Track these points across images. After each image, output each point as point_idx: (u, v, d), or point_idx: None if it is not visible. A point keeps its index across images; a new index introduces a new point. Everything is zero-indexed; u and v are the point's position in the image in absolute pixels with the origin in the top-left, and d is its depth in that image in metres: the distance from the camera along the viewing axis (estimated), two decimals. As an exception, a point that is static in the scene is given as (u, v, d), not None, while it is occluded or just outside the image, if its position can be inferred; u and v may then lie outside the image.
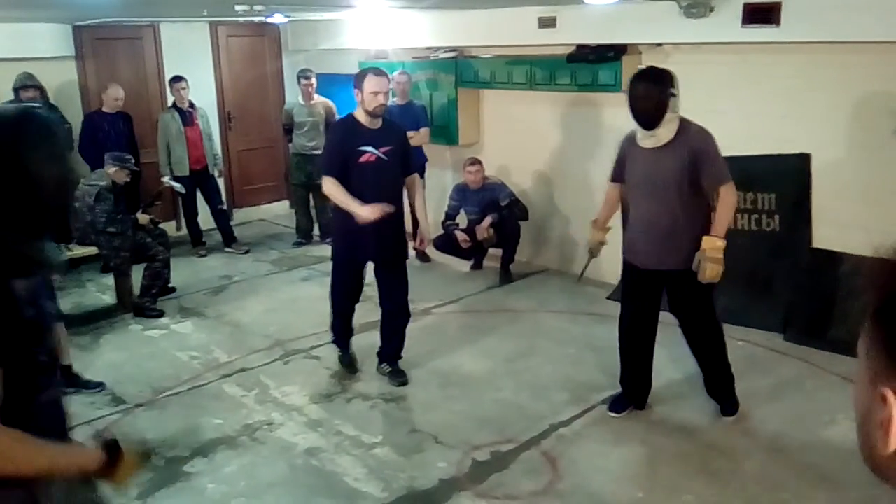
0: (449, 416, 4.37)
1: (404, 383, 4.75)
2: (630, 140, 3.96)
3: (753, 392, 4.49)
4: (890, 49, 4.56)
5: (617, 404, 4.28)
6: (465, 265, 6.95)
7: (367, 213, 4.22)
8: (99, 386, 4.68)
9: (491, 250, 6.82)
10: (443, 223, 6.87)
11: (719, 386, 4.18)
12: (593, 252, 4.32)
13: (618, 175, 4.12)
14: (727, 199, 3.77)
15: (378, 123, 4.42)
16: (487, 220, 6.51)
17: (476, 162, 6.67)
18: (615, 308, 4.13)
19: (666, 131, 3.74)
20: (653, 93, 3.69)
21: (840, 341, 4.97)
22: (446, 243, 6.81)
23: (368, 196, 4.27)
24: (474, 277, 6.79)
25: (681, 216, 3.79)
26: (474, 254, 6.86)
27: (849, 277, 5.05)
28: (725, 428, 4.10)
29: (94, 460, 1.76)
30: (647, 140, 3.81)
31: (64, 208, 1.73)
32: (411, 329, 5.13)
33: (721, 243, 3.65)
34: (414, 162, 4.82)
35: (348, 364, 4.91)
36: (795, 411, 4.30)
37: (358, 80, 4.38)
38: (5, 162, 1.61)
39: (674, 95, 3.72)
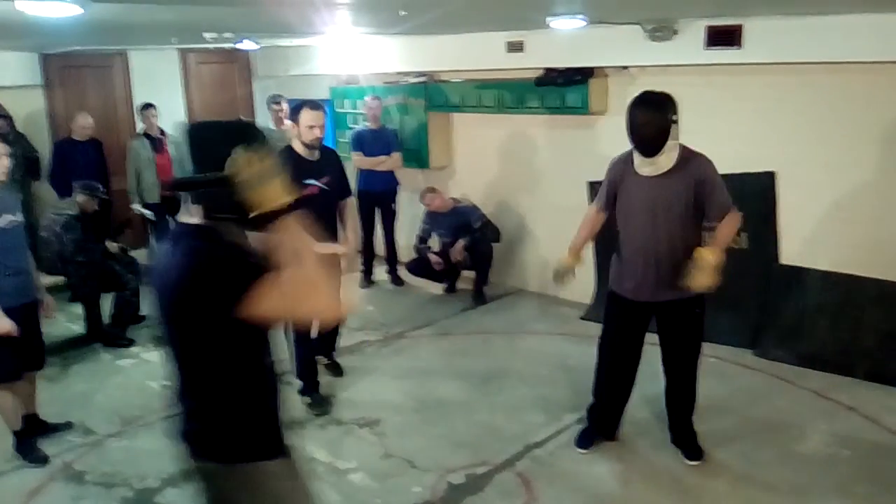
0: (423, 439, 4.35)
1: (341, 374, 5.15)
2: (624, 166, 3.73)
3: (725, 408, 4.53)
4: (851, 69, 4.68)
5: (584, 439, 4.15)
6: (438, 288, 6.96)
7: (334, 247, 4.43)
8: (67, 426, 4.57)
9: (464, 273, 6.84)
10: (415, 246, 6.89)
11: (683, 430, 4.05)
12: (559, 278, 4.03)
13: (605, 203, 3.88)
14: (731, 222, 3.64)
15: (316, 155, 4.52)
16: (460, 242, 6.54)
17: (430, 191, 6.77)
18: (588, 328, 4.11)
19: (667, 159, 3.56)
20: (654, 119, 3.50)
21: (809, 356, 5.05)
22: (419, 267, 6.83)
23: (311, 224, 4.32)
24: (448, 300, 6.80)
25: (679, 246, 3.60)
26: (447, 277, 6.87)
27: (817, 293, 5.13)
28: (699, 443, 4.11)
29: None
30: (645, 167, 3.62)
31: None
32: (385, 352, 5.13)
33: (714, 256, 3.47)
34: (348, 186, 4.91)
35: (322, 404, 4.76)
36: (766, 426, 4.35)
37: (294, 113, 4.51)
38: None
39: (675, 122, 3.54)
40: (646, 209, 3.66)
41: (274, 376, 2.23)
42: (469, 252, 6.57)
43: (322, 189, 4.51)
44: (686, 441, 4.04)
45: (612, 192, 3.83)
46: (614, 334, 3.97)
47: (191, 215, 2.01)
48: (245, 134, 2.00)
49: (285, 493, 2.15)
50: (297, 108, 4.50)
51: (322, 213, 4.41)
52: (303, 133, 4.42)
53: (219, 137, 1.99)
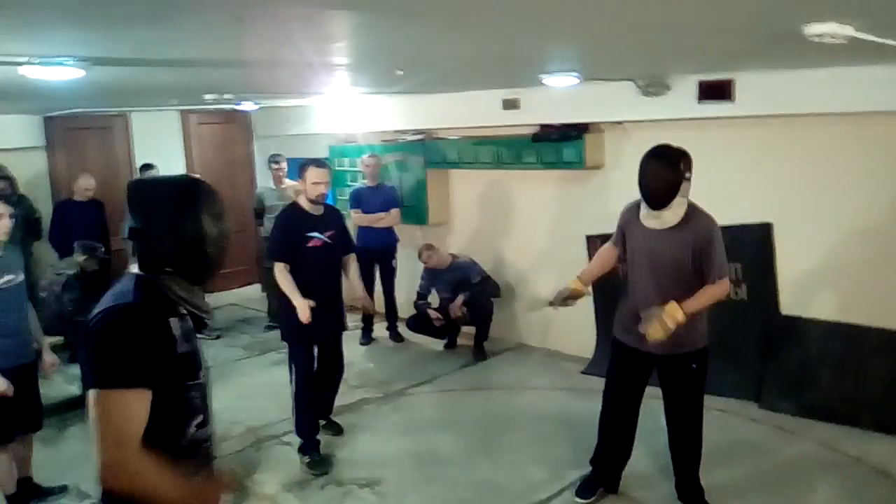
0: (425, 499, 4.28)
1: (340, 432, 5.11)
2: (632, 212, 3.76)
3: (731, 462, 4.47)
4: (841, 120, 4.74)
5: (585, 490, 4.11)
6: (438, 344, 6.93)
7: (304, 313, 4.47)
8: (62, 490, 4.49)
9: (464, 328, 6.82)
10: (415, 303, 6.88)
11: (689, 483, 3.98)
12: (556, 302, 3.98)
13: (618, 240, 3.94)
14: (716, 289, 3.56)
15: (320, 210, 4.73)
16: (460, 298, 6.54)
17: (428, 248, 6.79)
18: (590, 382, 4.08)
19: (672, 215, 3.54)
20: (665, 174, 3.48)
21: (814, 407, 5.00)
22: (419, 323, 6.81)
23: (316, 278, 4.62)
24: (448, 356, 6.76)
25: (679, 301, 3.53)
26: (447, 332, 6.85)
27: (819, 343, 5.10)
28: (707, 498, 4.04)
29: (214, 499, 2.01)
30: (651, 220, 3.62)
31: (220, 262, 2.07)
32: (385, 410, 5.07)
33: (680, 316, 3.46)
34: (351, 241, 5.13)
35: (322, 463, 4.70)
36: (774, 479, 4.28)
37: (301, 170, 4.71)
38: (186, 219, 1.95)
39: (687, 179, 3.53)
40: (646, 261, 3.68)
41: (199, 453, 2.06)
42: (468, 307, 6.56)
43: (325, 242, 4.67)
44: (693, 497, 3.97)
45: (621, 236, 3.89)
46: (616, 381, 3.98)
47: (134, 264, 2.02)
48: (193, 191, 2.04)
49: None
50: (302, 165, 4.71)
51: (325, 266, 4.72)
52: (308, 189, 4.64)
53: (165, 193, 2.02)
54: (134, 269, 2.00)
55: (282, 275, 4.58)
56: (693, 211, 3.60)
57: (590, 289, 4.12)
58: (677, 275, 3.59)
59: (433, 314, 6.67)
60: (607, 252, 4.02)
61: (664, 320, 3.44)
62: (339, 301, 4.88)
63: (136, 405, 1.83)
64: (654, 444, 4.24)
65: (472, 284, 6.58)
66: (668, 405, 3.91)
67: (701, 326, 3.73)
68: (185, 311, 2.03)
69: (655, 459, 4.34)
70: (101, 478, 1.82)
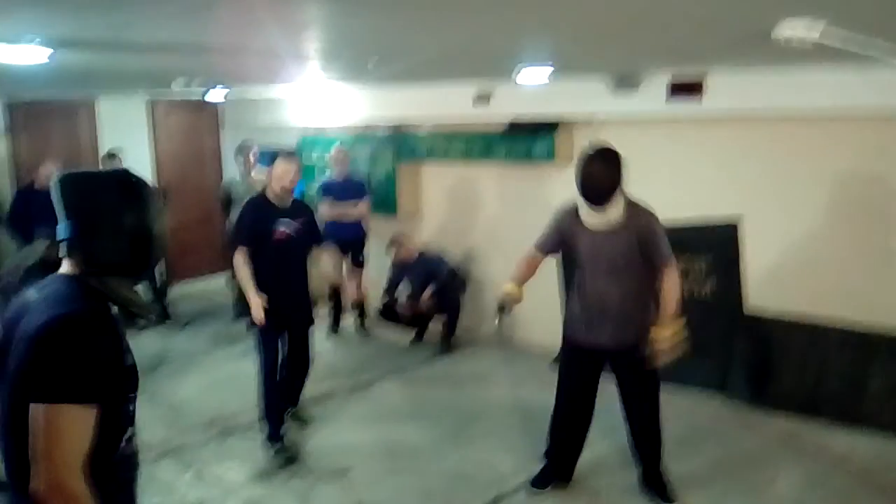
0: (393, 489, 4.28)
1: (306, 424, 5.10)
2: (571, 218, 3.81)
3: (694, 452, 4.54)
4: (810, 120, 4.83)
5: (540, 480, 4.17)
6: (406, 337, 6.93)
7: (257, 311, 4.46)
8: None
9: (431, 324, 6.83)
10: (383, 293, 6.87)
11: (654, 471, 4.06)
12: (506, 307, 3.98)
13: (545, 246, 3.98)
14: (672, 276, 3.71)
15: (288, 203, 4.68)
16: (428, 290, 6.56)
17: (395, 243, 6.85)
18: (556, 376, 4.09)
19: (614, 213, 3.65)
20: (606, 172, 3.60)
21: (778, 399, 5.10)
22: (389, 313, 6.81)
23: (281, 270, 4.59)
24: (415, 349, 6.76)
25: (632, 295, 3.74)
26: (415, 324, 6.85)
27: (782, 338, 5.20)
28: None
29: None
30: (594, 219, 3.69)
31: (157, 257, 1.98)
32: (353, 400, 5.07)
33: (668, 331, 3.62)
34: (319, 234, 5.05)
35: (288, 451, 4.65)
36: (738, 469, 4.36)
37: (270, 161, 4.72)
38: (135, 217, 1.88)
39: (623, 176, 3.66)
40: (597, 263, 3.77)
41: (128, 467, 1.95)
42: (437, 299, 6.58)
43: (290, 235, 4.62)
44: (658, 484, 4.04)
45: (555, 240, 3.93)
46: (570, 379, 4.03)
47: (68, 266, 1.89)
48: (137, 186, 1.96)
49: None
50: (272, 157, 4.69)
51: (291, 258, 4.66)
52: (275, 181, 4.60)
53: (110, 189, 1.91)
54: (65, 270, 1.88)
55: (240, 266, 4.55)
56: (634, 206, 3.73)
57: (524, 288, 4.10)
58: (630, 271, 3.72)
59: (402, 305, 6.69)
60: (533, 260, 4.04)
61: (665, 345, 3.61)
62: (306, 293, 4.83)
63: (88, 422, 1.70)
64: (620, 436, 4.27)
65: (440, 277, 6.60)
66: (626, 398, 3.99)
67: (651, 311, 3.81)
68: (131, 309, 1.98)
69: (623, 451, 4.38)
70: (39, 500, 1.67)
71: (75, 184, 1.91)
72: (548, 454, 4.20)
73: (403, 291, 6.85)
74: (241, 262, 4.56)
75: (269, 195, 4.66)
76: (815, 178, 5.04)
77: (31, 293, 1.87)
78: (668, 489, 4.02)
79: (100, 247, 1.85)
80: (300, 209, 4.80)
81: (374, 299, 7.39)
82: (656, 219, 3.75)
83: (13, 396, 1.74)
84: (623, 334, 3.77)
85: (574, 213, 3.79)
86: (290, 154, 4.78)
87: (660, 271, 3.72)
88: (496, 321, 3.99)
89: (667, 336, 3.62)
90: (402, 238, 6.84)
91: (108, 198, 1.88)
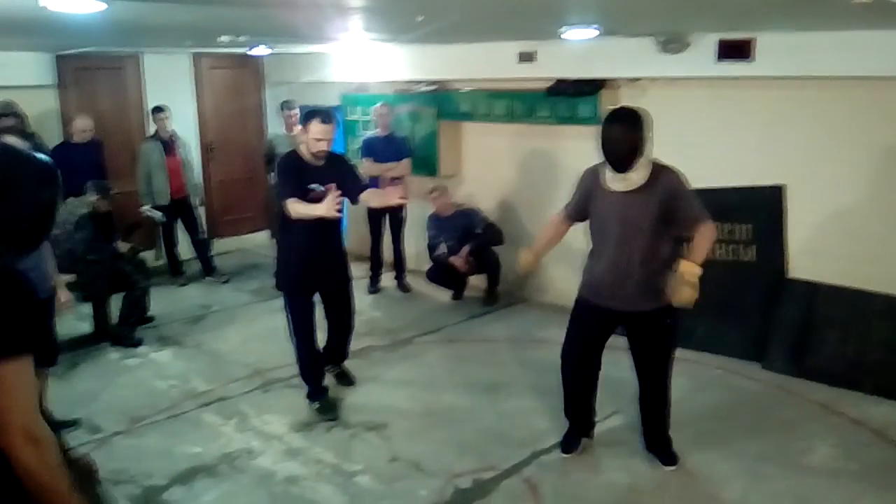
0: (430, 444, 4.36)
1: (352, 383, 5.12)
2: (594, 178, 3.74)
3: (731, 420, 4.54)
4: (861, 84, 4.71)
5: (568, 443, 4.17)
6: (445, 295, 6.98)
7: (326, 209, 4.25)
8: (74, 424, 4.54)
9: (471, 281, 6.87)
10: (431, 256, 6.93)
11: (658, 435, 4.07)
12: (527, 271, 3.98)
13: (573, 213, 3.92)
14: (706, 233, 3.59)
15: (322, 163, 4.49)
16: (465, 249, 6.59)
17: (435, 189, 6.82)
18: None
19: (638, 176, 3.54)
20: (627, 135, 3.48)
21: (816, 369, 5.06)
22: (438, 273, 6.86)
23: (312, 230, 4.45)
24: (455, 307, 6.81)
25: (654, 260, 3.63)
26: (455, 283, 6.89)
27: (824, 306, 5.14)
28: (705, 456, 4.11)
29: None
30: (617, 183, 3.61)
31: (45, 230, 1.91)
32: (392, 358, 5.14)
33: (698, 269, 3.48)
34: (360, 183, 4.79)
35: (330, 409, 4.75)
36: (774, 438, 4.34)
37: (306, 119, 4.43)
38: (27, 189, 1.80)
39: (648, 138, 3.53)
40: (617, 225, 3.66)
41: None
42: (475, 257, 6.62)
43: (324, 195, 4.44)
44: (661, 446, 4.07)
45: (581, 203, 3.84)
46: (579, 339, 3.98)
47: None
48: (43, 165, 1.88)
49: None
50: (308, 115, 4.45)
51: (324, 233, 4.53)
52: (310, 143, 4.41)
53: (19, 160, 1.86)
54: None
55: (298, 205, 4.33)
56: (658, 169, 3.61)
57: (542, 256, 4.13)
58: (651, 234, 3.60)
59: (458, 261, 6.69)
60: (556, 226, 4.00)
61: (686, 281, 3.46)
62: (341, 253, 4.80)
63: (31, 371, 1.76)
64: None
65: (476, 234, 6.61)
66: (638, 361, 3.95)
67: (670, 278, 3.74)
68: None
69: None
70: (19, 447, 1.69)
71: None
72: (567, 413, 4.19)
73: (443, 251, 6.87)
74: (296, 203, 4.34)
75: (303, 153, 4.48)
76: (864, 145, 4.92)
77: None
78: (669, 451, 4.05)
79: (4, 215, 1.78)
80: (334, 166, 4.56)
81: (412, 257, 7.45)
82: (682, 180, 3.64)
83: None
84: (641, 299, 3.70)
85: (598, 174, 3.72)
86: (327, 115, 4.43)
87: (692, 230, 3.60)
88: (515, 282, 3.96)
89: (693, 273, 3.47)
90: (441, 189, 6.83)
91: (16, 170, 1.82)
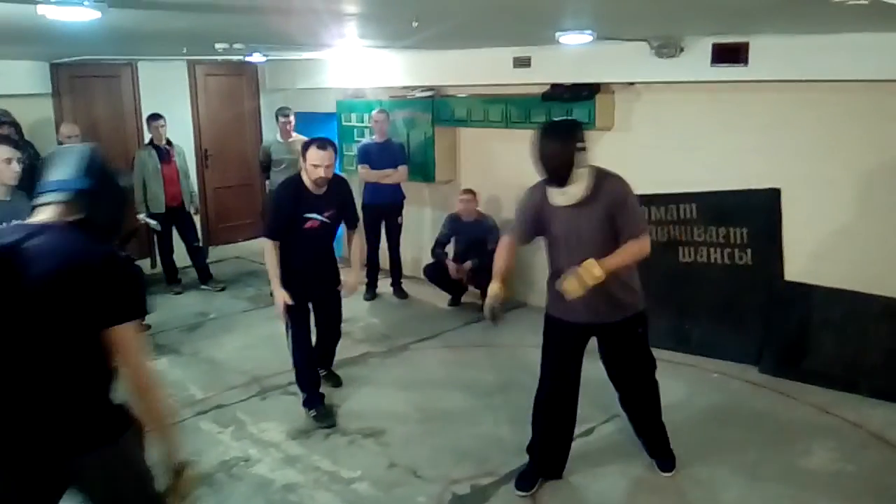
0: (428, 450, 4.35)
1: (339, 384, 5.21)
2: (540, 195, 3.62)
3: (729, 424, 4.54)
4: (857, 87, 4.72)
5: (525, 480, 3.92)
6: (443, 301, 6.97)
7: (278, 305, 4.48)
8: None
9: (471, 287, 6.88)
10: (433, 249, 6.89)
11: (654, 441, 4.03)
12: (496, 314, 3.81)
13: (522, 234, 3.81)
14: (636, 245, 3.47)
15: (323, 190, 4.49)
16: (468, 263, 6.58)
17: (469, 191, 6.75)
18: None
19: (577, 188, 3.46)
20: (558, 149, 3.42)
21: (814, 372, 5.06)
22: (435, 272, 6.84)
23: (309, 254, 4.53)
24: (452, 313, 6.80)
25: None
26: (460, 287, 6.88)
27: (821, 309, 5.14)
28: (703, 459, 4.11)
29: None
30: (559, 198, 3.53)
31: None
32: (389, 364, 5.14)
33: (598, 272, 3.31)
34: (356, 215, 4.88)
35: (327, 416, 4.75)
36: (771, 442, 4.34)
37: (304, 149, 4.48)
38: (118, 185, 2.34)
39: (581, 149, 3.44)
40: (567, 239, 3.59)
41: None
42: (476, 273, 6.60)
43: (323, 223, 4.52)
44: (658, 452, 4.04)
45: (529, 223, 3.74)
46: (555, 361, 3.87)
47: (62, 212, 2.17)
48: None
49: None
50: (306, 144, 4.50)
51: (320, 242, 4.60)
52: (308, 171, 4.41)
53: (107, 161, 2.33)
54: (52, 217, 2.15)
55: (269, 254, 4.45)
56: (602, 177, 3.52)
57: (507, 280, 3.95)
58: (601, 244, 3.47)
59: (451, 266, 6.68)
60: (508, 247, 3.90)
61: (581, 275, 3.33)
62: (333, 265, 4.80)
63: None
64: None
65: (486, 251, 6.54)
66: (613, 373, 3.87)
67: (637, 288, 3.69)
68: None
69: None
70: (150, 380, 2.22)
71: (99, 154, 2.28)
72: (531, 449, 3.99)
73: (451, 249, 6.86)
74: (269, 253, 4.45)
75: (305, 180, 4.47)
76: (859, 148, 4.93)
77: (27, 243, 2.05)
78: (666, 458, 4.01)
79: (106, 206, 2.23)
80: (335, 194, 4.58)
81: (409, 263, 7.45)
82: (626, 189, 3.53)
83: (74, 323, 2.07)
84: (609, 310, 3.61)
85: (541, 188, 3.62)
86: (324, 142, 4.43)
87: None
88: (491, 319, 3.83)
89: (591, 273, 3.31)
90: (473, 194, 6.78)
91: (114, 177, 2.30)
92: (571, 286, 3.37)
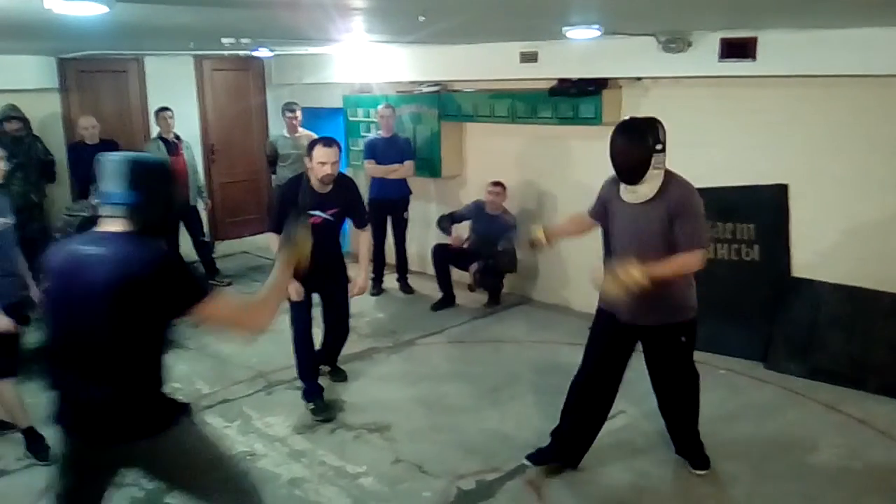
0: (434, 445, 4.35)
1: (344, 379, 5.23)
2: (612, 188, 3.66)
3: (736, 421, 4.53)
4: (865, 82, 4.69)
5: (538, 455, 3.96)
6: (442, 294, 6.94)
7: (292, 293, 4.49)
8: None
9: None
10: (439, 220, 6.80)
11: (686, 446, 4.02)
12: (534, 244, 3.86)
13: (595, 213, 3.83)
14: (687, 258, 3.40)
15: (328, 188, 4.54)
16: (474, 266, 6.57)
17: (499, 184, 6.63)
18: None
19: (647, 188, 3.44)
20: (634, 149, 3.38)
21: (821, 369, 5.04)
22: (440, 256, 6.80)
23: (312, 249, 4.40)
24: (457, 309, 6.77)
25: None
26: (449, 286, 6.86)
27: (828, 306, 5.12)
28: (710, 456, 4.08)
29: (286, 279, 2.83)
30: (628, 194, 3.54)
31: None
32: (395, 359, 5.13)
33: (640, 277, 3.24)
34: (364, 214, 4.95)
35: (327, 409, 4.76)
36: (778, 438, 4.33)
37: (309, 148, 4.56)
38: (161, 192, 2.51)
39: (659, 151, 3.40)
40: (627, 235, 3.58)
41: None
42: (481, 275, 6.60)
43: (325, 220, 4.56)
44: (692, 451, 4.03)
45: (601, 209, 3.76)
46: (597, 351, 3.84)
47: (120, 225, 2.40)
48: (166, 171, 2.67)
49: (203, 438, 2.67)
50: (311, 143, 4.57)
51: (324, 239, 4.49)
52: (315, 169, 4.48)
53: (152, 170, 2.54)
54: (115, 228, 2.39)
55: (274, 247, 4.46)
56: (670, 180, 3.47)
57: (555, 239, 3.96)
58: (660, 246, 3.44)
59: (455, 238, 6.64)
60: (580, 219, 3.91)
61: (620, 277, 3.28)
62: (339, 260, 4.85)
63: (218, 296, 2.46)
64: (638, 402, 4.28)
65: (495, 251, 6.51)
66: (655, 377, 3.86)
67: (690, 298, 3.64)
68: None
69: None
70: (250, 319, 2.57)
71: (141, 164, 2.47)
72: (556, 433, 4.00)
73: (464, 232, 6.81)
74: (274, 246, 4.47)
75: (311, 178, 4.53)
76: (868, 144, 4.91)
77: (90, 249, 2.35)
78: (701, 455, 4.00)
79: (154, 213, 2.43)
80: (341, 192, 4.63)
81: (415, 257, 7.45)
82: (693, 198, 3.46)
83: (147, 313, 2.33)
84: (655, 313, 3.57)
85: (616, 181, 3.63)
86: (329, 141, 4.52)
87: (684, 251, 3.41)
88: (522, 246, 3.88)
89: (634, 276, 3.24)
90: (503, 188, 6.66)
91: (159, 178, 2.51)
92: (609, 287, 3.34)
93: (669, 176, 3.50)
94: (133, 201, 2.38)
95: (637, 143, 3.39)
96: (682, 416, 3.96)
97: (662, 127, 3.47)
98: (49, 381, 2.50)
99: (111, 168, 2.40)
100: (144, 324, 2.35)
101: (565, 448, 3.99)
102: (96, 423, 2.41)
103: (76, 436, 2.48)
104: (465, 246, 6.65)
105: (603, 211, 3.76)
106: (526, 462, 3.97)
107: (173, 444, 2.47)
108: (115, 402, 2.39)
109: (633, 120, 3.57)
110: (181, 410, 2.54)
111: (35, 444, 4.20)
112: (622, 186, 3.57)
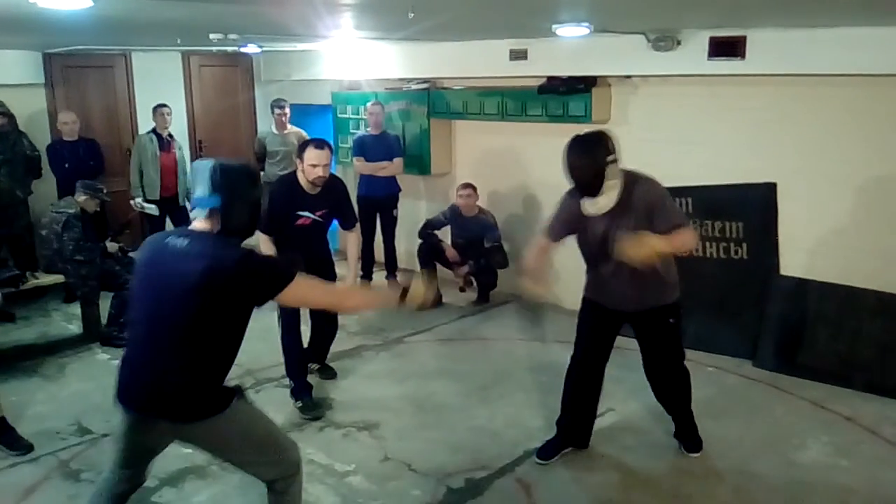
0: (422, 443, 4.34)
1: (333, 376, 5.23)
2: (573, 202, 3.69)
3: (724, 418, 4.54)
4: (853, 81, 4.71)
5: (547, 450, 4.09)
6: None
7: None
8: (26, 449, 4.24)
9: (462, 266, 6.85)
10: (420, 230, 6.82)
11: (682, 427, 4.13)
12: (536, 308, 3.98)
13: (554, 233, 3.83)
14: (686, 234, 3.51)
15: (318, 189, 4.56)
16: (465, 268, 6.57)
17: (468, 186, 6.66)
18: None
19: (606, 199, 3.53)
20: (586, 163, 3.47)
21: (808, 367, 5.06)
22: (428, 254, 6.79)
23: (301, 248, 4.53)
24: (446, 306, 6.76)
25: (645, 268, 3.47)
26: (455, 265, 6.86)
27: (816, 304, 5.14)
28: (697, 454, 4.11)
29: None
30: (589, 207, 3.60)
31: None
32: (384, 357, 5.11)
33: (660, 245, 3.31)
34: (353, 215, 4.97)
35: (315, 407, 4.75)
36: (766, 436, 4.35)
37: (300, 150, 4.56)
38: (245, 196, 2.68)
39: (611, 162, 3.48)
40: (601, 245, 3.62)
41: None
42: (477, 275, 6.58)
43: (314, 221, 4.59)
44: (686, 432, 4.12)
45: (562, 224, 3.80)
46: (588, 340, 3.97)
47: (206, 225, 2.64)
48: (250, 173, 2.81)
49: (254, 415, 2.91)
50: (302, 145, 4.59)
51: (312, 239, 4.66)
52: (306, 171, 4.48)
53: (236, 174, 2.68)
54: (203, 227, 2.64)
55: (265, 246, 4.51)
56: (633, 182, 3.54)
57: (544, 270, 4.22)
58: None
59: (450, 251, 6.67)
60: (543, 247, 3.93)
61: (643, 242, 3.30)
62: (328, 259, 4.89)
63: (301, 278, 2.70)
64: (649, 399, 4.27)
65: (484, 250, 6.51)
66: (648, 360, 3.97)
67: (672, 280, 3.76)
68: None
69: (653, 414, 4.41)
70: (343, 302, 3.19)
71: (223, 169, 2.61)
72: (560, 422, 4.14)
73: (446, 238, 6.83)
74: (264, 245, 4.52)
75: (301, 179, 4.54)
76: (856, 143, 4.92)
77: (177, 242, 2.60)
78: (694, 438, 4.11)
79: (236, 215, 2.62)
80: (330, 194, 4.65)
81: (404, 255, 7.44)
82: (658, 190, 3.58)
83: (229, 307, 2.57)
84: (644, 299, 3.72)
85: (574, 196, 3.66)
86: (321, 142, 4.54)
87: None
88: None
89: (654, 244, 3.30)
90: (472, 189, 6.68)
91: (242, 182, 2.66)
92: (631, 249, 3.31)
93: (628, 177, 3.56)
94: (215, 205, 2.59)
95: (591, 157, 3.47)
96: (675, 397, 4.07)
97: (612, 139, 3.55)
98: (124, 356, 2.73)
99: (199, 172, 2.62)
100: (224, 315, 2.56)
101: (572, 433, 4.13)
102: (162, 401, 2.60)
103: (139, 411, 2.65)
104: (466, 276, 6.73)
105: (564, 229, 3.81)
106: (538, 461, 4.05)
107: (227, 423, 2.68)
108: (185, 385, 2.59)
109: (583, 135, 3.61)
110: (235, 393, 2.75)
111: (5, 436, 4.21)
112: (584, 201, 3.61)
